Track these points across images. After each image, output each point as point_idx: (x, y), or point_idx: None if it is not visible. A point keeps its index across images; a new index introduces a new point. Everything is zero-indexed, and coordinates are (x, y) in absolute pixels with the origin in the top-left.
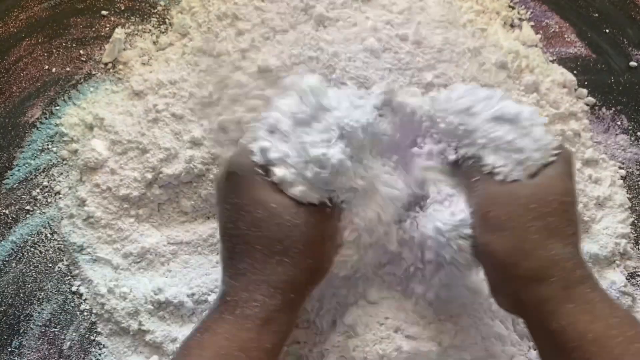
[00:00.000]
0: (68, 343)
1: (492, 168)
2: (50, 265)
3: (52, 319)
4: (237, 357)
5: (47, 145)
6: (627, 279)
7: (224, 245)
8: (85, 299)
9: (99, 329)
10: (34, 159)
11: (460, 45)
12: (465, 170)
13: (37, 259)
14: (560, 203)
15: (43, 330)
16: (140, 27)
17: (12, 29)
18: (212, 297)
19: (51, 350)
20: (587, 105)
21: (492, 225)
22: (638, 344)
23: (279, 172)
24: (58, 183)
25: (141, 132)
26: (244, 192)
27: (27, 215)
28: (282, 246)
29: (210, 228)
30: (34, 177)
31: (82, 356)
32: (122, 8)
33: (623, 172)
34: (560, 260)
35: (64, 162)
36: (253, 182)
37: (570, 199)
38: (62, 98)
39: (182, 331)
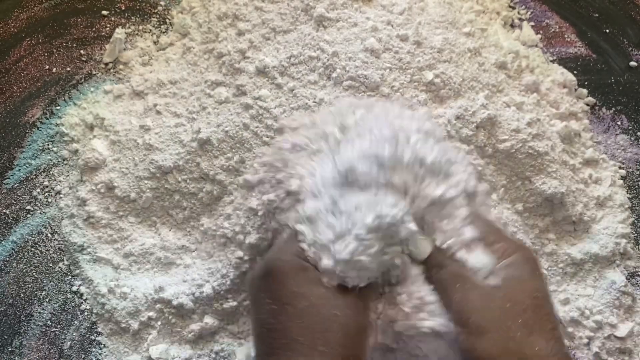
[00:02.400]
0: (68, 343)
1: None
2: (50, 265)
3: (53, 318)
4: None
5: (48, 145)
6: (627, 279)
7: (262, 341)
8: (86, 299)
9: (99, 329)
10: (35, 159)
11: (460, 46)
12: (441, 277)
13: (37, 258)
14: (533, 299)
15: (43, 330)
16: (140, 27)
17: (12, 29)
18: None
19: (51, 350)
20: (587, 105)
21: (475, 330)
22: None
23: (326, 262)
24: (58, 183)
25: (141, 132)
26: (286, 286)
27: (28, 215)
28: (323, 338)
29: (210, 228)
30: (34, 177)
31: (83, 356)
32: (123, 8)
33: (623, 172)
34: (545, 356)
35: (65, 162)
36: (295, 274)
37: (541, 295)
38: (63, 98)
39: (183, 331)
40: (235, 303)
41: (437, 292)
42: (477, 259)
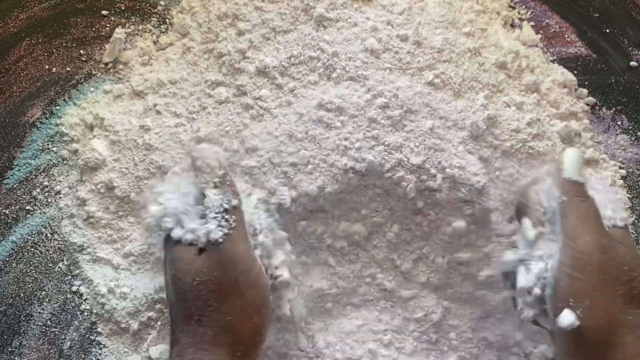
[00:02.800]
0: (68, 343)
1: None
2: (50, 265)
3: (53, 318)
4: None
5: (48, 145)
6: None
7: (169, 316)
8: (86, 299)
9: (99, 329)
10: (34, 159)
11: (460, 46)
12: (576, 206)
13: (37, 259)
14: None
15: (43, 330)
16: (140, 27)
17: (12, 29)
18: None
19: (51, 350)
20: (588, 105)
21: (580, 277)
22: None
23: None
24: (58, 183)
25: (141, 132)
26: (166, 266)
27: (28, 215)
28: (195, 307)
29: None
30: (34, 177)
31: (83, 356)
32: (123, 8)
33: (623, 172)
34: (635, 326)
35: (64, 162)
36: (168, 252)
37: None
38: (63, 98)
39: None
40: None
41: (560, 216)
42: (616, 211)
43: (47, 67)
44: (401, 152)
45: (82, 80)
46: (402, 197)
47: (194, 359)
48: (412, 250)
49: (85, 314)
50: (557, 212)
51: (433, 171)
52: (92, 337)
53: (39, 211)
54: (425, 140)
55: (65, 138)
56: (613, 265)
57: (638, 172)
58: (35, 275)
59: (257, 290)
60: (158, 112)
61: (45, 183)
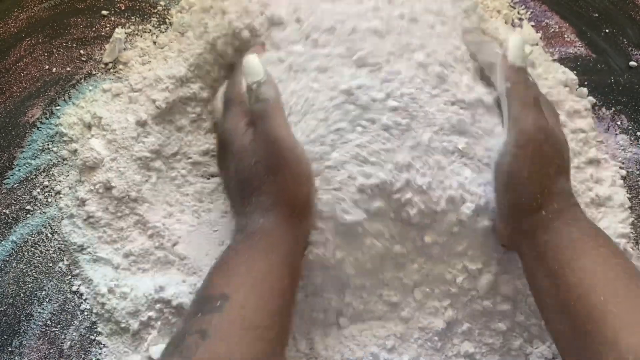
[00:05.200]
0: (68, 343)
1: None
2: (50, 265)
3: (53, 318)
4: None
5: (48, 145)
6: None
7: (229, 196)
8: (86, 299)
9: (99, 329)
10: (35, 159)
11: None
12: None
13: (37, 258)
14: (566, 151)
15: (43, 329)
16: (140, 27)
17: (12, 29)
18: None
19: (51, 350)
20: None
21: (525, 154)
22: (604, 248)
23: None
24: (58, 183)
25: (139, 131)
26: (232, 141)
27: (28, 215)
28: (255, 181)
29: (210, 228)
30: (34, 177)
31: (83, 356)
32: (122, 8)
33: (623, 172)
34: (562, 192)
35: (64, 161)
36: (236, 129)
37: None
38: (63, 98)
39: None
40: None
41: (506, 99)
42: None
43: (47, 67)
44: (409, 171)
45: (82, 80)
46: (406, 220)
47: (261, 218)
48: (418, 269)
49: (85, 313)
50: (503, 95)
51: (438, 193)
52: (92, 337)
53: (39, 211)
54: (428, 160)
55: (65, 138)
56: (550, 143)
57: (638, 172)
58: (35, 275)
59: (303, 164)
60: (157, 109)
61: (46, 183)
